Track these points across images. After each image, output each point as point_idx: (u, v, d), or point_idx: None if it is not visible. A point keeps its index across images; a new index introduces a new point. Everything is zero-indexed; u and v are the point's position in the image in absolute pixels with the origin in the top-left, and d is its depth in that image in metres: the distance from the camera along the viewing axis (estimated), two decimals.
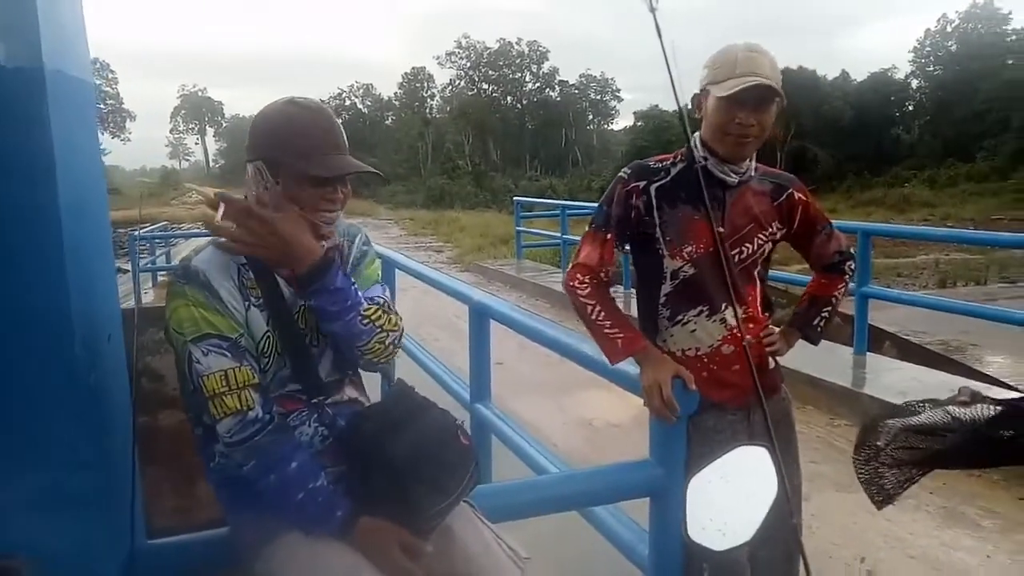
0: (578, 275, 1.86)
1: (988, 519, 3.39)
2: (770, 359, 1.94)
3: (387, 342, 1.51)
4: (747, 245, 1.87)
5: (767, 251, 1.93)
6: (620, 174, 1.89)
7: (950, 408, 1.16)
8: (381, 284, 1.62)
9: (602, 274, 1.86)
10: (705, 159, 1.84)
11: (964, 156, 44.20)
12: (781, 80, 1.80)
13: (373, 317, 1.48)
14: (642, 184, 1.85)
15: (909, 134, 51.50)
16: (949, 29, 52.83)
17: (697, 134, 1.88)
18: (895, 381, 4.92)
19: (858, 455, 1.23)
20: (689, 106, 1.88)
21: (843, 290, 2.06)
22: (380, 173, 1.55)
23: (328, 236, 1.50)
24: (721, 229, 1.81)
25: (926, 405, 1.19)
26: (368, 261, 1.62)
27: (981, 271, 18.27)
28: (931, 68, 53.20)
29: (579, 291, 1.85)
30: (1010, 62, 46.79)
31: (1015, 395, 1.09)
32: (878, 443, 1.21)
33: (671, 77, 1.31)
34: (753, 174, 1.89)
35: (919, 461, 1.17)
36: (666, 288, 1.88)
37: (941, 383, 4.88)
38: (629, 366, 1.86)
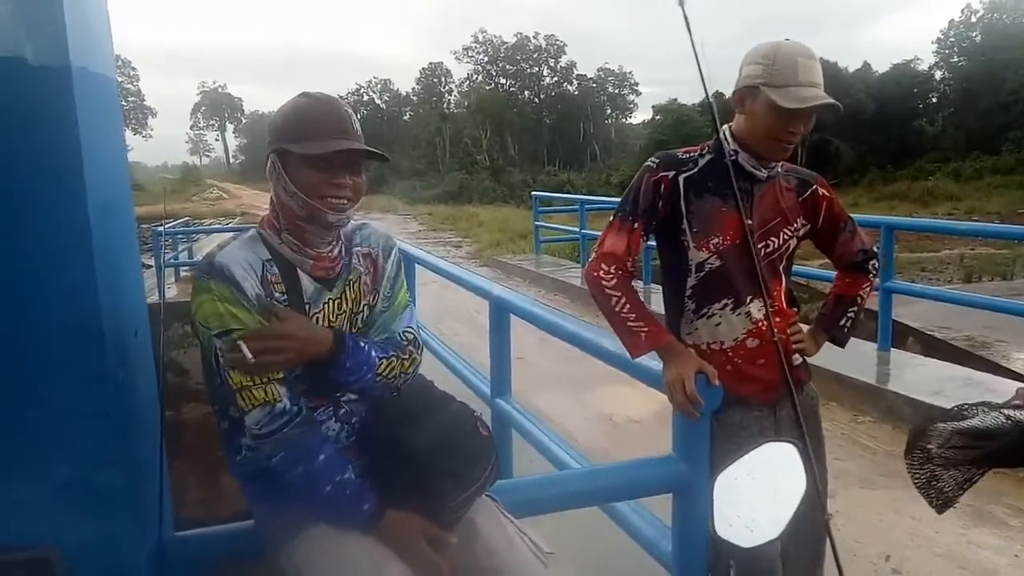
0: (603, 265, 1.82)
1: (1016, 518, 3.34)
2: (796, 355, 1.92)
3: (400, 382, 1.53)
4: (773, 239, 1.86)
5: (792, 247, 1.91)
6: (648, 163, 1.86)
7: (1005, 411, 1.12)
8: (410, 309, 1.63)
9: (628, 264, 1.82)
10: (735, 152, 1.82)
11: (989, 148, 43.47)
12: None
13: (387, 373, 1.49)
14: (671, 174, 1.82)
15: (933, 126, 50.71)
16: (974, 19, 51.96)
17: (727, 126, 1.86)
18: (919, 377, 4.87)
19: (911, 459, 1.19)
20: (722, 97, 1.86)
21: (868, 290, 2.03)
22: (384, 154, 1.52)
23: (340, 225, 1.48)
24: (750, 222, 1.80)
25: (979, 408, 1.15)
26: (400, 287, 1.62)
27: (1007, 266, 18.00)
28: (955, 59, 52.35)
29: (604, 281, 1.80)
30: None
31: None
32: (929, 446, 1.17)
33: (700, 69, 1.30)
34: (780, 170, 1.87)
35: (976, 460, 1.13)
36: (691, 281, 1.86)
37: (966, 379, 4.82)
38: (651, 361, 1.85)
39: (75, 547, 1.24)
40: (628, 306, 1.79)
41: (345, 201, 1.45)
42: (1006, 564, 2.99)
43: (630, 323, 1.79)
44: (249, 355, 1.33)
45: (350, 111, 1.48)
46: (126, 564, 1.31)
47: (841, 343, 2.03)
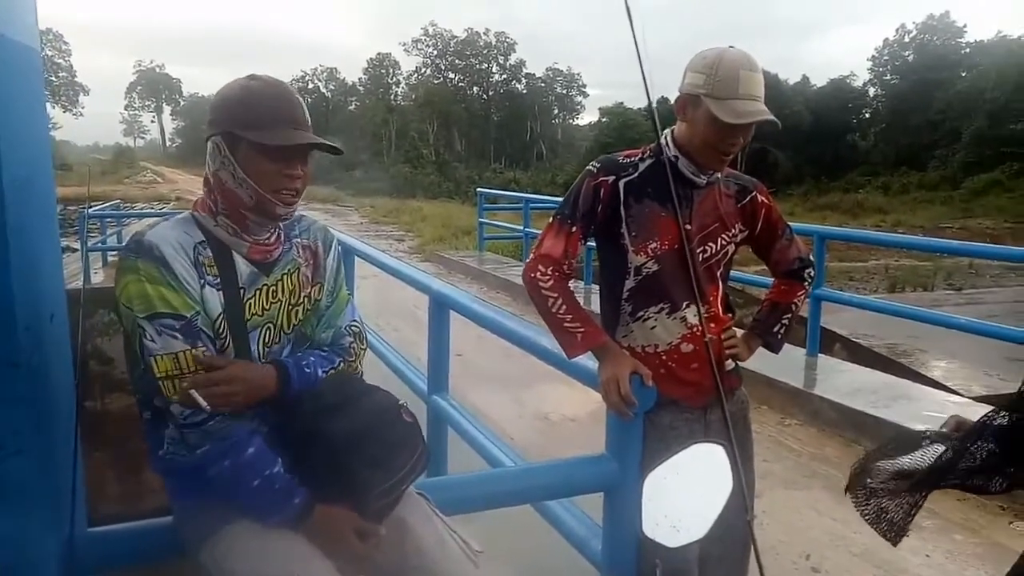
0: (540, 266, 1.83)
1: (929, 519, 3.49)
2: (729, 360, 1.95)
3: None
4: (711, 244, 1.88)
5: (730, 252, 1.94)
6: (589, 167, 1.88)
7: (939, 442, 1.15)
8: (351, 302, 1.63)
9: (565, 267, 1.83)
10: (676, 158, 1.84)
11: (916, 164, 45.41)
12: None
13: (332, 376, 1.51)
14: (611, 179, 1.83)
15: (865, 141, 52.67)
16: (907, 39, 54.08)
17: (668, 131, 1.87)
18: (844, 382, 5.05)
19: (855, 497, 1.22)
20: (666, 103, 1.87)
21: (803, 297, 2.07)
22: (339, 147, 1.50)
23: (286, 217, 1.45)
24: (688, 227, 1.82)
25: (918, 436, 1.18)
26: (341, 281, 1.61)
27: (929, 277, 18.84)
28: (888, 77, 54.42)
29: (541, 283, 1.82)
30: (964, 74, 48.19)
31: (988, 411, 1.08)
32: (870, 484, 1.20)
33: (643, 72, 1.30)
34: (720, 176, 1.90)
35: (917, 485, 1.16)
36: (629, 283, 1.88)
37: (887, 385, 5.02)
38: (588, 360, 1.86)
39: None
40: (564, 307, 1.81)
41: (295, 193, 1.42)
42: (918, 563, 3.12)
43: (566, 324, 1.80)
44: (204, 404, 1.29)
45: (300, 98, 1.44)
46: (33, 559, 1.25)
47: (775, 349, 2.07)
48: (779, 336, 2.05)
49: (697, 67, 1.78)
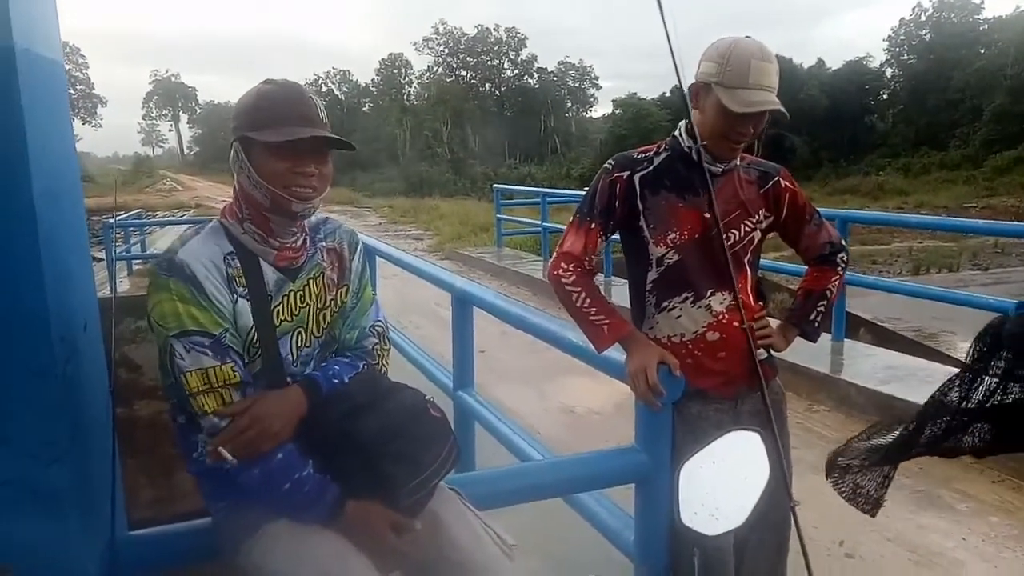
0: (562, 264, 1.86)
1: (963, 502, 3.45)
2: (762, 350, 1.93)
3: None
4: (734, 231, 1.87)
5: (756, 239, 1.92)
6: (605, 165, 1.90)
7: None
8: (376, 302, 1.64)
9: (586, 262, 1.85)
10: (689, 148, 1.84)
11: (937, 144, 44.75)
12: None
13: (359, 376, 1.52)
14: (626, 174, 1.85)
15: (883, 122, 51.97)
16: (923, 18, 53.29)
17: (683, 123, 1.88)
18: (871, 367, 4.99)
19: (832, 478, 1.28)
20: (672, 93, 1.87)
21: (837, 284, 2.04)
22: (349, 142, 1.49)
23: (306, 214, 1.45)
24: (708, 216, 1.81)
25: (892, 427, 1.23)
26: (366, 282, 1.62)
27: (954, 258, 18.59)
28: (905, 57, 53.68)
29: (564, 279, 1.85)
30: (982, 51, 47.40)
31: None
32: (844, 462, 1.25)
33: (673, 58, 1.29)
34: (738, 162, 1.89)
35: (887, 458, 1.20)
36: (652, 275, 1.88)
37: (914, 368, 4.96)
38: (613, 352, 1.86)
39: (20, 548, 1.20)
40: (588, 301, 1.82)
41: (311, 190, 1.41)
42: (952, 546, 3.08)
43: (592, 317, 1.81)
44: (231, 459, 1.30)
45: (316, 98, 1.44)
46: (76, 565, 1.27)
47: (811, 337, 2.05)
48: (815, 324, 2.03)
49: (711, 56, 1.78)
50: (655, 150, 1.90)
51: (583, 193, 1.92)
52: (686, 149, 1.84)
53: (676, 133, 1.88)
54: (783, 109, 1.74)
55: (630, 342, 1.80)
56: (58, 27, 1.43)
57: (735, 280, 1.81)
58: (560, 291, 1.86)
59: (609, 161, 1.91)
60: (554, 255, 1.90)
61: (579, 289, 1.83)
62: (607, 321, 1.80)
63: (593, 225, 1.85)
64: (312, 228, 1.55)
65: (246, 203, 1.43)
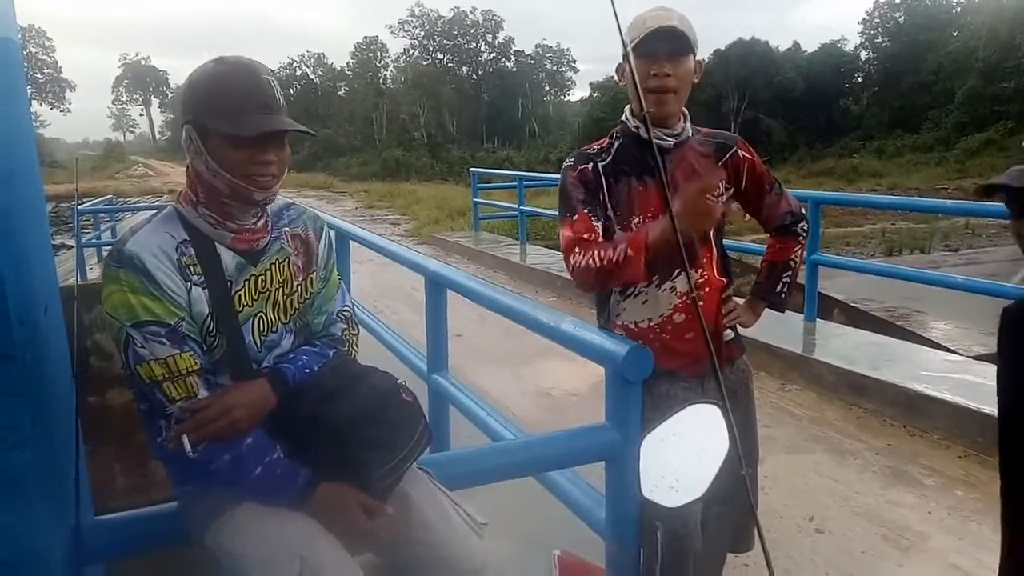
0: (570, 256, 1.83)
1: (930, 477, 3.53)
2: (728, 329, 1.95)
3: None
4: None
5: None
6: (565, 164, 1.90)
7: None
8: (342, 287, 1.63)
9: (586, 238, 1.81)
10: (636, 128, 1.86)
11: (910, 127, 45.26)
12: (697, 38, 1.83)
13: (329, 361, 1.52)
14: (589, 165, 1.87)
15: (858, 105, 52.40)
16: (898, 1, 53.66)
17: (628, 107, 1.91)
18: (843, 346, 5.07)
19: None
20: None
21: (800, 253, 2.05)
22: (308, 131, 1.47)
23: (267, 201, 1.43)
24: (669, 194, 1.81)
25: None
26: (332, 266, 1.61)
27: (926, 239, 18.88)
28: (879, 39, 54.04)
29: (579, 261, 1.80)
30: (955, 34, 47.86)
31: None
32: None
33: (624, 44, 1.29)
34: (691, 135, 1.89)
35: None
36: None
37: (885, 347, 5.04)
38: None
39: None
40: (601, 251, 1.77)
41: (271, 178, 1.39)
42: (919, 520, 3.15)
43: (615, 259, 1.75)
44: (189, 450, 1.29)
45: (271, 78, 1.40)
46: (38, 549, 1.25)
47: (780, 308, 2.07)
48: (783, 296, 2.05)
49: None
50: (607, 141, 1.92)
51: (560, 176, 1.92)
52: (634, 129, 1.86)
53: (623, 118, 1.91)
54: (684, 32, 1.77)
55: (655, 234, 1.72)
56: (12, 4, 1.39)
57: (701, 256, 1.82)
58: (584, 276, 1.80)
59: (567, 160, 1.91)
60: (564, 258, 1.87)
61: (590, 253, 1.78)
62: (625, 246, 1.74)
63: (577, 214, 1.83)
64: (275, 213, 1.53)
65: (202, 187, 1.40)
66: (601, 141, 1.93)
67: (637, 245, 1.74)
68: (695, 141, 1.90)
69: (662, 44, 1.76)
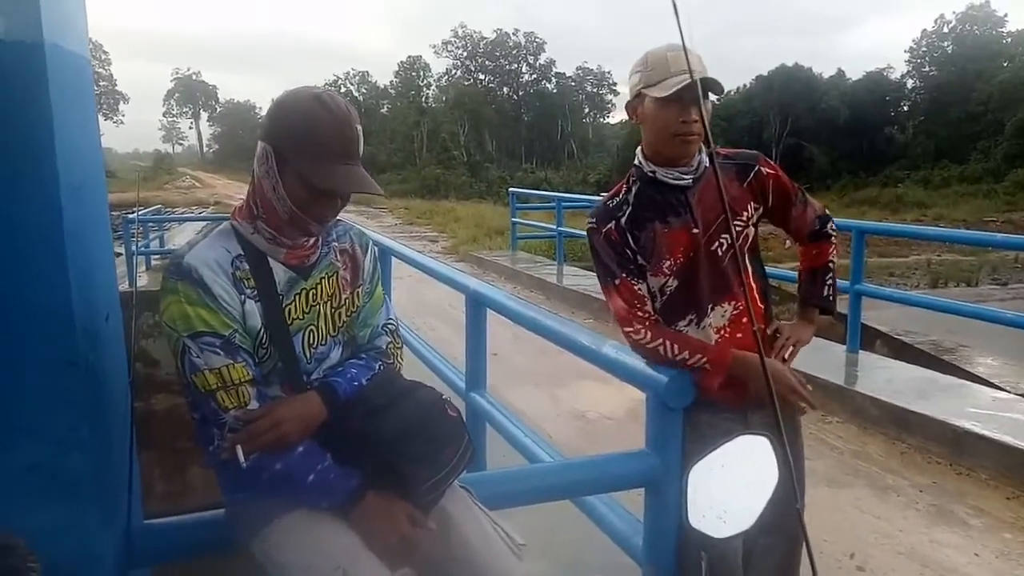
0: (627, 329, 1.83)
1: (976, 518, 3.42)
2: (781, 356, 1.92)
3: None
4: (725, 237, 1.83)
5: (750, 236, 1.89)
6: (588, 225, 1.88)
7: None
8: (387, 301, 1.66)
9: (641, 313, 1.81)
10: (653, 172, 1.82)
11: (957, 157, 44.37)
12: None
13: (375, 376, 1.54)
14: (612, 224, 1.84)
15: (903, 134, 51.62)
16: (946, 30, 52.93)
17: (640, 149, 1.87)
18: (886, 379, 4.95)
19: None
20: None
21: (835, 252, 2.03)
22: (384, 194, 1.55)
23: (319, 234, 1.49)
24: (696, 230, 1.79)
25: None
26: (377, 281, 1.65)
27: (972, 272, 18.41)
28: (927, 68, 53.30)
29: (642, 341, 1.81)
30: (1005, 64, 46.98)
31: None
32: None
33: (689, 69, 1.29)
34: (707, 164, 1.84)
35: None
36: (658, 305, 1.85)
37: (930, 381, 4.92)
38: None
39: (40, 533, 1.21)
40: (676, 346, 1.79)
41: (331, 216, 1.45)
42: (966, 563, 3.05)
43: (689, 362, 1.78)
44: (242, 459, 1.32)
45: (359, 129, 1.42)
46: (92, 551, 1.29)
47: (832, 311, 2.04)
48: (830, 298, 2.02)
49: (633, 71, 1.81)
50: (625, 188, 1.88)
51: (599, 198, 1.91)
52: (650, 174, 1.83)
53: (636, 161, 1.86)
54: (713, 78, 1.68)
55: (739, 365, 1.77)
56: (86, 23, 1.46)
57: (735, 285, 1.80)
58: (648, 353, 1.82)
59: (589, 220, 1.89)
60: (619, 328, 1.88)
61: (659, 340, 1.79)
62: (704, 358, 1.77)
63: (619, 279, 1.82)
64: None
65: (263, 204, 1.44)
66: (618, 187, 1.90)
67: (718, 365, 1.77)
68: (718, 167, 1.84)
69: (689, 90, 1.69)
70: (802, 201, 1.97)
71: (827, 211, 2.04)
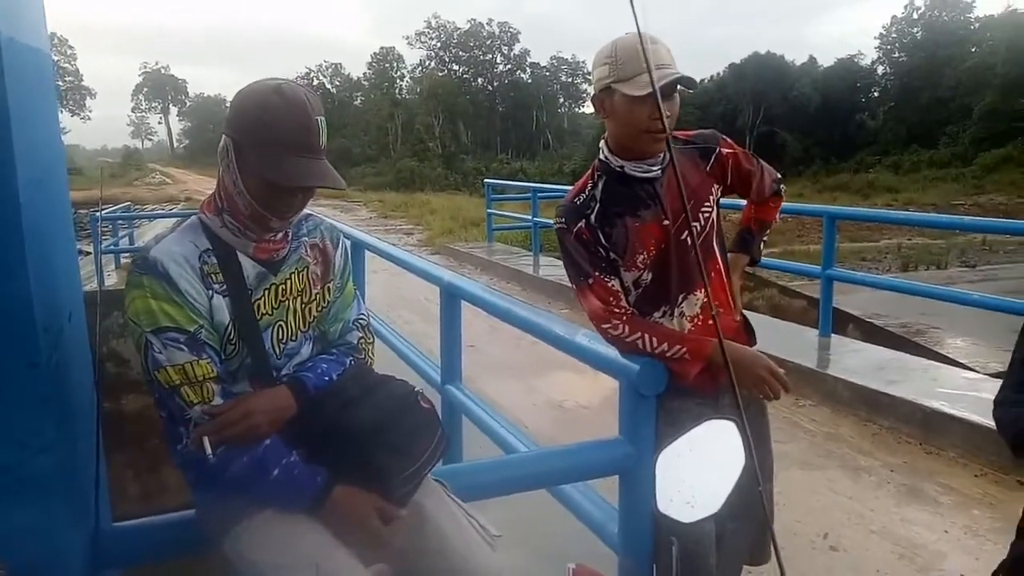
0: (603, 325, 1.81)
1: (946, 496, 3.49)
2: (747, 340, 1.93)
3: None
4: (695, 224, 1.83)
5: (713, 217, 1.88)
6: (557, 225, 1.85)
7: None
8: (358, 296, 1.65)
9: (617, 309, 1.80)
10: (622, 167, 1.80)
11: (927, 142, 45.02)
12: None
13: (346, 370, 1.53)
14: (582, 223, 1.81)
15: (874, 120, 52.21)
16: (915, 16, 53.52)
17: (603, 142, 1.84)
18: (858, 362, 5.03)
19: None
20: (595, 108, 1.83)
21: (779, 207, 2.10)
22: (342, 186, 1.45)
23: (280, 230, 1.46)
24: (667, 222, 1.79)
25: None
26: (348, 276, 1.63)
27: (942, 255, 18.73)
28: (896, 55, 53.90)
29: (620, 335, 1.79)
30: (973, 50, 47.68)
31: None
32: None
33: (646, 58, 1.27)
34: (672, 152, 1.84)
35: None
36: (632, 299, 1.85)
37: (901, 363, 5.00)
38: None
39: (6, 535, 1.20)
40: (654, 339, 1.78)
41: (292, 211, 1.42)
42: (935, 539, 3.12)
43: (668, 353, 1.77)
44: (210, 452, 1.30)
45: (320, 118, 1.37)
46: (60, 553, 1.27)
47: (759, 260, 2.13)
48: (762, 250, 2.13)
49: (599, 62, 1.75)
50: (590, 183, 1.85)
51: (558, 236, 1.86)
52: (617, 168, 1.80)
53: (602, 156, 1.83)
54: (688, 76, 1.67)
55: (718, 355, 1.73)
56: (44, 16, 1.43)
57: (708, 271, 1.81)
58: (627, 348, 1.80)
59: (557, 220, 1.85)
60: (595, 327, 1.86)
61: (638, 334, 1.78)
62: (684, 349, 1.77)
63: (592, 280, 1.80)
64: (294, 224, 1.55)
65: (226, 198, 1.42)
66: (583, 182, 1.87)
67: (697, 354, 1.76)
68: (677, 155, 1.83)
69: (666, 87, 1.65)
70: (759, 169, 1.99)
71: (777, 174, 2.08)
